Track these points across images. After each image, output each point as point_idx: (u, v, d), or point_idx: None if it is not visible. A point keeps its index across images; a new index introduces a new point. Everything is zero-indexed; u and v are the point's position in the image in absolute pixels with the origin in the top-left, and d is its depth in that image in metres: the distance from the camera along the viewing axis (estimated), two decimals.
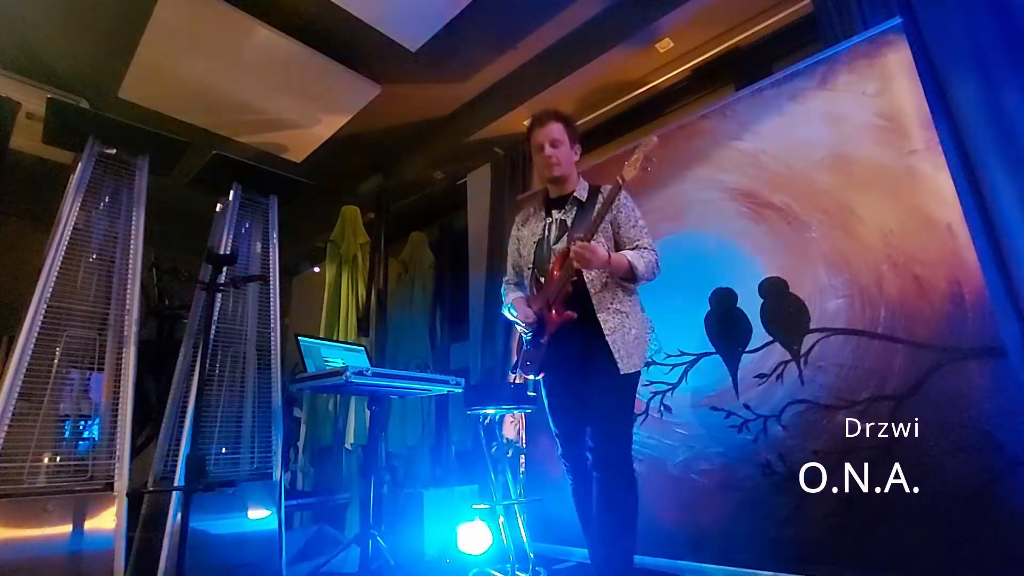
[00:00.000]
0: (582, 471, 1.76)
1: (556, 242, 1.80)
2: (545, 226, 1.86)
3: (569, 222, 1.81)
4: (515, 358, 1.82)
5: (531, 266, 1.86)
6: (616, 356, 1.66)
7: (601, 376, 1.68)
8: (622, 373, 1.66)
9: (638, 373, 1.72)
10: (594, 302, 1.72)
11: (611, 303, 1.72)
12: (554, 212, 1.86)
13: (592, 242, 1.65)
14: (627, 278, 1.73)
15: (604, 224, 1.76)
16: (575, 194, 1.84)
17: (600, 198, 1.79)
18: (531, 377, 1.83)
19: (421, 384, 2.60)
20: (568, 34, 3.13)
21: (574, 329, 1.70)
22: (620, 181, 1.69)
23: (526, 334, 1.82)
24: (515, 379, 2.02)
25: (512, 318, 1.85)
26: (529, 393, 1.87)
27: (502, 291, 1.98)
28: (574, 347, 1.73)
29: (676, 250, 2.49)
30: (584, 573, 2.43)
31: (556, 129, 1.81)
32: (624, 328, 1.70)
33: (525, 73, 3.39)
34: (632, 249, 1.75)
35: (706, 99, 3.15)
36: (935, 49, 2.02)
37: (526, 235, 1.92)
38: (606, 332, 1.68)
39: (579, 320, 1.69)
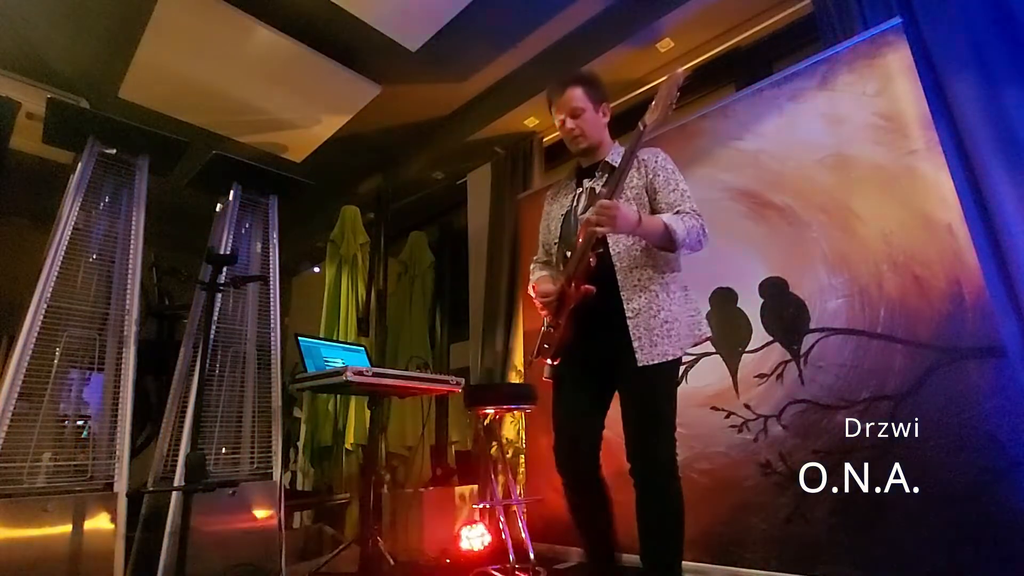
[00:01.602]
0: (578, 471, 1.58)
1: (584, 212, 1.57)
2: (575, 197, 1.67)
3: (599, 189, 1.58)
4: (536, 342, 1.63)
5: (557, 240, 1.67)
6: (635, 344, 1.45)
7: (624, 370, 1.48)
8: (639, 365, 1.44)
9: (673, 363, 1.49)
10: (619, 278, 1.51)
11: (639, 279, 1.51)
12: (585, 182, 1.67)
13: (622, 203, 1.43)
14: (664, 246, 1.49)
15: (637, 190, 1.57)
16: (607, 159, 1.63)
17: (635, 161, 1.56)
18: (548, 362, 1.63)
19: (421, 384, 2.60)
20: (568, 34, 3.13)
21: (597, 309, 1.48)
22: (642, 127, 1.44)
23: (545, 315, 1.61)
24: (531, 363, 1.80)
25: (533, 299, 1.66)
26: (545, 378, 1.71)
27: (531, 269, 1.81)
28: (594, 330, 1.52)
29: None
30: (584, 573, 2.43)
31: (575, 96, 1.60)
32: (650, 311, 1.48)
33: (525, 73, 3.39)
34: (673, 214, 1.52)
35: (706, 99, 3.15)
36: (935, 49, 2.02)
37: (555, 209, 1.73)
38: (628, 315, 1.47)
39: (602, 299, 1.47)
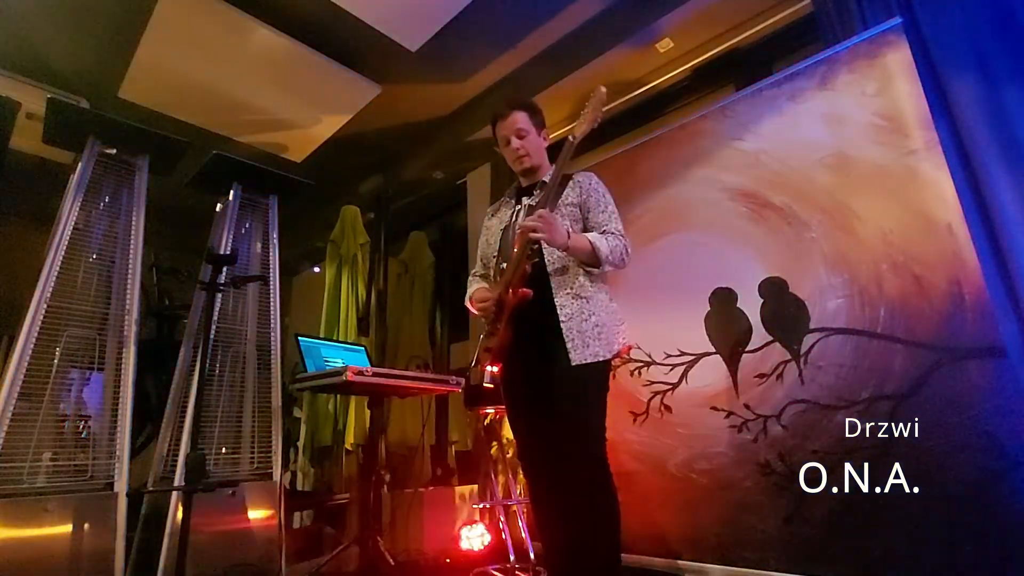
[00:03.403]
0: (538, 473, 1.66)
1: None
2: (513, 213, 1.78)
3: (536, 204, 1.68)
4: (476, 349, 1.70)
5: (495, 253, 1.77)
6: (568, 345, 1.55)
7: (558, 369, 1.56)
8: (573, 364, 1.53)
9: (602, 364, 1.58)
10: (552, 285, 1.61)
11: (570, 287, 1.61)
12: (524, 199, 1.78)
13: (556, 217, 1.55)
14: (590, 262, 1.61)
15: (572, 207, 1.69)
16: (545, 179, 1.75)
17: (570, 183, 1.72)
18: (488, 368, 1.70)
19: (421, 384, 2.60)
20: (568, 34, 3.13)
21: (532, 315, 1.58)
22: (571, 139, 1.59)
23: (486, 322, 1.69)
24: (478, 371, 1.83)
25: (472, 309, 1.76)
26: (485, 385, 1.73)
27: (467, 283, 1.88)
28: (531, 335, 1.61)
29: (676, 250, 2.50)
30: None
31: (520, 119, 1.74)
32: (582, 315, 1.59)
33: (525, 73, 3.39)
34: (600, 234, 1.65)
35: (706, 99, 3.15)
36: (935, 49, 2.02)
37: (494, 224, 1.84)
38: (561, 319, 1.57)
39: (537, 305, 1.57)
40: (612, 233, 1.65)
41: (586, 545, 1.50)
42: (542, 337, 1.60)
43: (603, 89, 1.60)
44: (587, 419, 1.55)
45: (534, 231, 1.51)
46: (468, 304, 1.81)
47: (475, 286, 1.82)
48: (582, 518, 1.52)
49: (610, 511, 1.52)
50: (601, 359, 1.57)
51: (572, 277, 1.63)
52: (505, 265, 1.65)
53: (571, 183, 1.73)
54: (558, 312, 1.59)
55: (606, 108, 1.64)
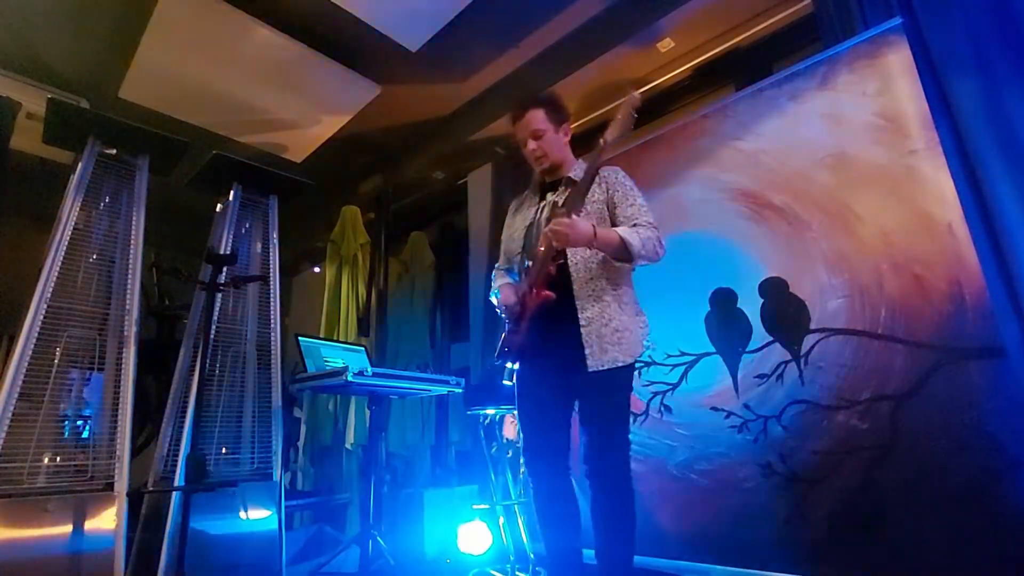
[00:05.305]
0: (543, 475, 1.63)
1: (547, 225, 1.64)
2: (538, 210, 1.74)
3: (561, 202, 1.66)
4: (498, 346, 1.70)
5: (520, 252, 1.75)
6: (587, 351, 1.53)
7: (579, 374, 1.54)
8: (589, 369, 1.52)
9: (626, 368, 1.56)
10: (575, 288, 1.59)
11: (593, 290, 1.59)
12: (548, 195, 1.74)
13: (577, 218, 1.51)
14: (621, 257, 1.57)
15: (599, 204, 1.65)
16: (570, 175, 1.72)
17: (596, 179, 1.68)
18: (508, 365, 1.71)
19: (421, 384, 2.60)
20: (568, 34, 3.13)
21: (554, 316, 1.56)
22: (602, 143, 1.55)
23: (507, 320, 1.68)
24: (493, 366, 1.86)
25: (496, 304, 1.74)
26: (504, 382, 1.75)
27: (492, 276, 1.87)
28: (552, 337, 1.59)
29: (676, 250, 2.48)
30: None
31: (536, 118, 1.69)
32: (603, 319, 1.56)
33: (525, 73, 3.39)
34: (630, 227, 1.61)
35: (707, 99, 3.15)
36: (935, 49, 2.02)
37: (518, 220, 1.81)
38: (581, 323, 1.55)
39: (560, 307, 1.55)
40: (643, 225, 1.60)
41: (608, 550, 1.53)
42: (562, 341, 1.57)
43: (636, 94, 1.59)
44: (608, 428, 1.54)
45: (556, 240, 1.49)
46: (492, 299, 1.78)
47: (500, 282, 1.78)
48: (603, 527, 1.53)
49: (629, 522, 1.53)
50: (620, 364, 1.54)
51: (596, 280, 1.60)
52: (530, 264, 1.62)
53: (596, 179, 1.68)
54: (579, 316, 1.56)
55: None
